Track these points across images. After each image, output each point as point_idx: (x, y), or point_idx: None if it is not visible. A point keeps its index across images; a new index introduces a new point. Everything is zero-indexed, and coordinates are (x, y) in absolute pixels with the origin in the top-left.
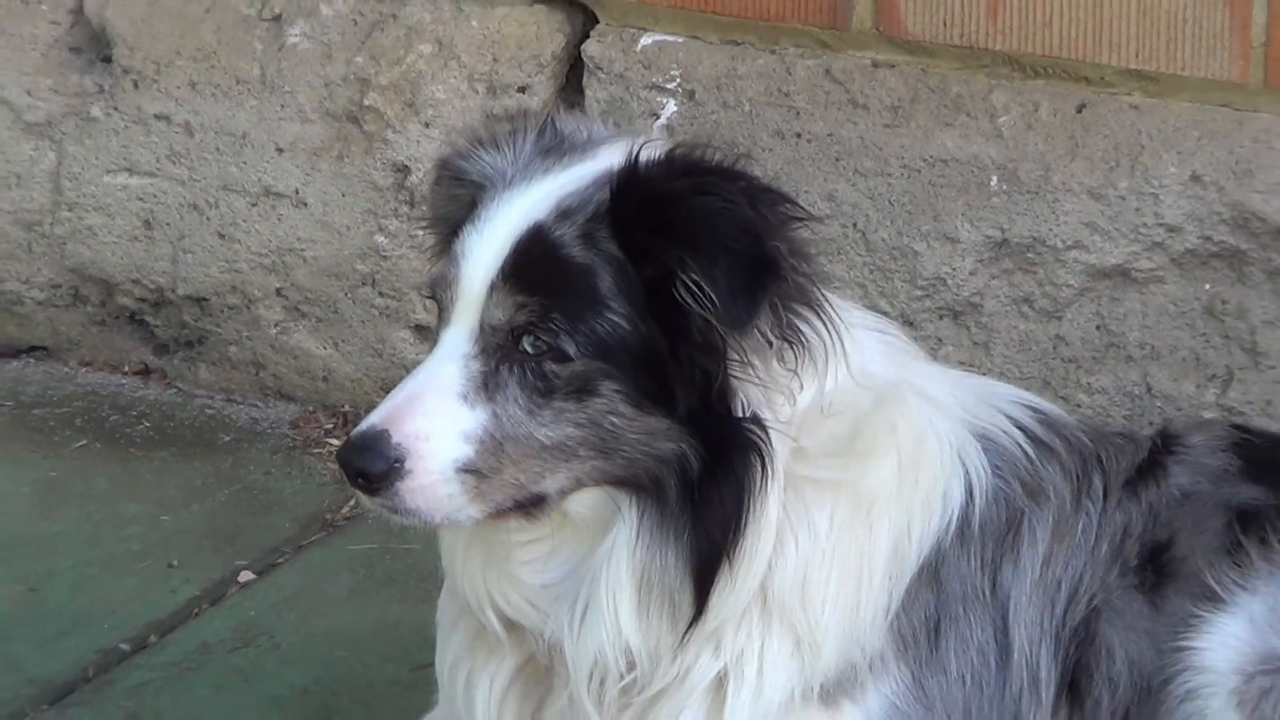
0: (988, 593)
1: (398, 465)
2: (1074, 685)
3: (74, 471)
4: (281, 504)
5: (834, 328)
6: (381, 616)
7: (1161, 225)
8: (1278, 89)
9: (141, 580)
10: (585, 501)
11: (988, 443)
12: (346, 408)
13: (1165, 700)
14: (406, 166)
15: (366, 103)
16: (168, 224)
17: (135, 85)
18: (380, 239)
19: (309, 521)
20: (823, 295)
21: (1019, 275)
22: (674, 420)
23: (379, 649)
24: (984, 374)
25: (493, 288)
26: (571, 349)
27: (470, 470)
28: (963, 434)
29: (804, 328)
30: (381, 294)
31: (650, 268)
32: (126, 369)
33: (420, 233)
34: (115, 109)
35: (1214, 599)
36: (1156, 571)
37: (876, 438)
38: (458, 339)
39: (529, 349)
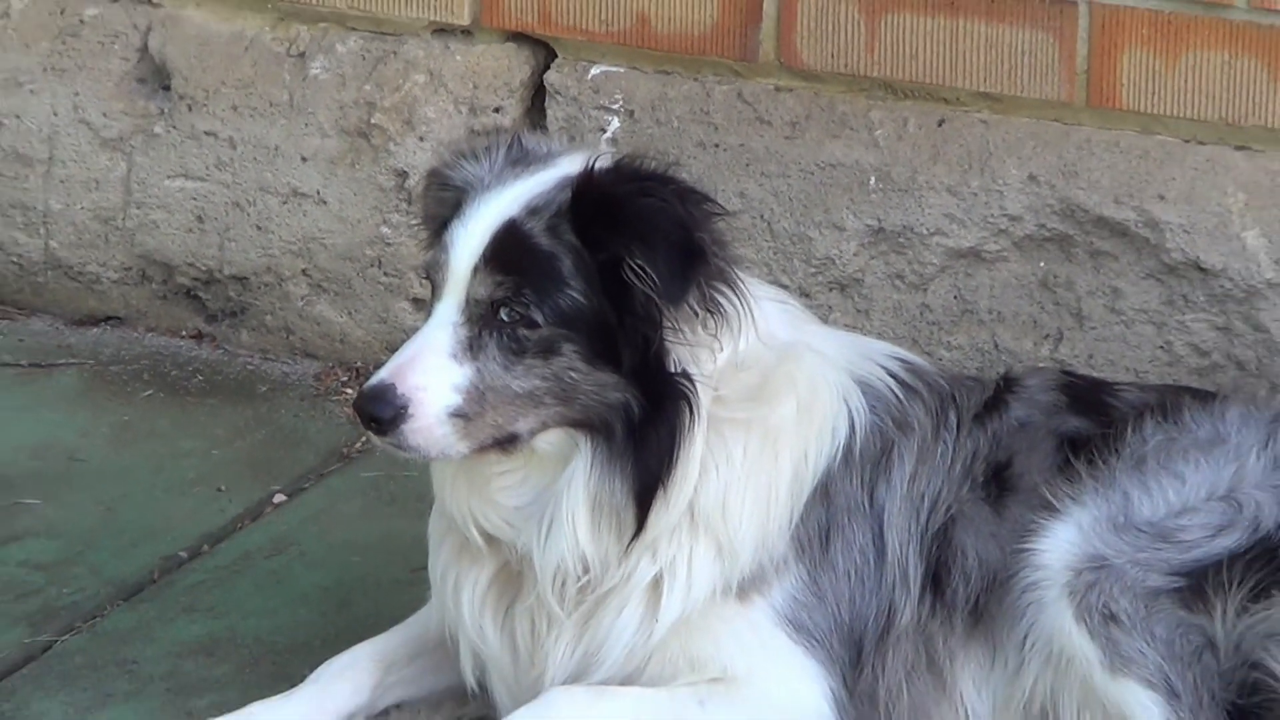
0: (866, 506)
1: (402, 411)
2: (936, 578)
3: (142, 415)
4: (307, 440)
5: (745, 301)
6: (387, 529)
7: (1005, 216)
8: (1097, 107)
9: (196, 501)
10: (550, 439)
11: (866, 388)
12: (358, 364)
13: (1010, 591)
14: (405, 172)
15: (373, 121)
16: (215, 218)
17: (189, 108)
18: (385, 230)
19: (329, 454)
20: (737, 275)
21: (892, 256)
22: (620, 375)
23: (384, 555)
24: (864, 334)
25: (476, 269)
26: (539, 318)
27: (459, 415)
28: (847, 381)
29: (723, 301)
30: (386, 274)
31: (603, 254)
32: (183, 334)
33: (416, 226)
34: (173, 127)
35: (1049, 509)
36: (999, 486)
37: (779, 385)
38: (448, 310)
39: (505, 318)
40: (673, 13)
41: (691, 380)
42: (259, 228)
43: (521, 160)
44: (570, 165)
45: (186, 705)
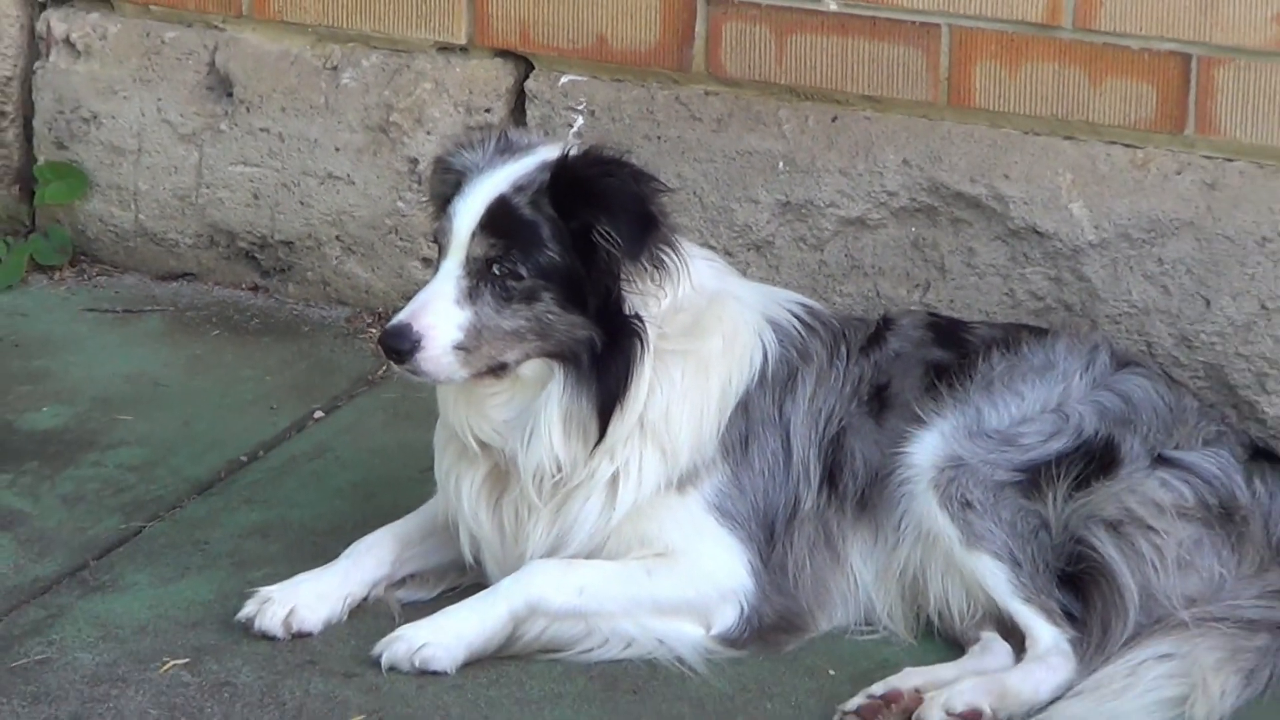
0: (776, 418)
1: (416, 344)
2: (831, 475)
3: (211, 350)
4: (340, 369)
5: (683, 259)
6: (403, 438)
7: (885, 191)
8: (956, 106)
9: (253, 417)
10: (531, 367)
11: (776, 326)
12: (380, 309)
13: (889, 485)
14: (416, 159)
15: (390, 120)
16: (267, 196)
17: (247, 110)
18: (400, 204)
19: (357, 380)
20: (677, 238)
21: (797, 224)
22: (587, 317)
23: (401, 458)
24: (775, 285)
25: (474, 234)
26: (524, 272)
27: (460, 348)
28: (761, 321)
29: (666, 259)
30: (401, 239)
31: (574, 222)
32: (243, 286)
33: (424, 202)
34: (235, 125)
35: (919, 421)
36: (880, 403)
37: (709, 324)
38: (452, 266)
39: (496, 272)
40: (624, 33)
41: (642, 321)
42: (301, 203)
43: (508, 149)
44: (546, 153)
45: (246, 576)
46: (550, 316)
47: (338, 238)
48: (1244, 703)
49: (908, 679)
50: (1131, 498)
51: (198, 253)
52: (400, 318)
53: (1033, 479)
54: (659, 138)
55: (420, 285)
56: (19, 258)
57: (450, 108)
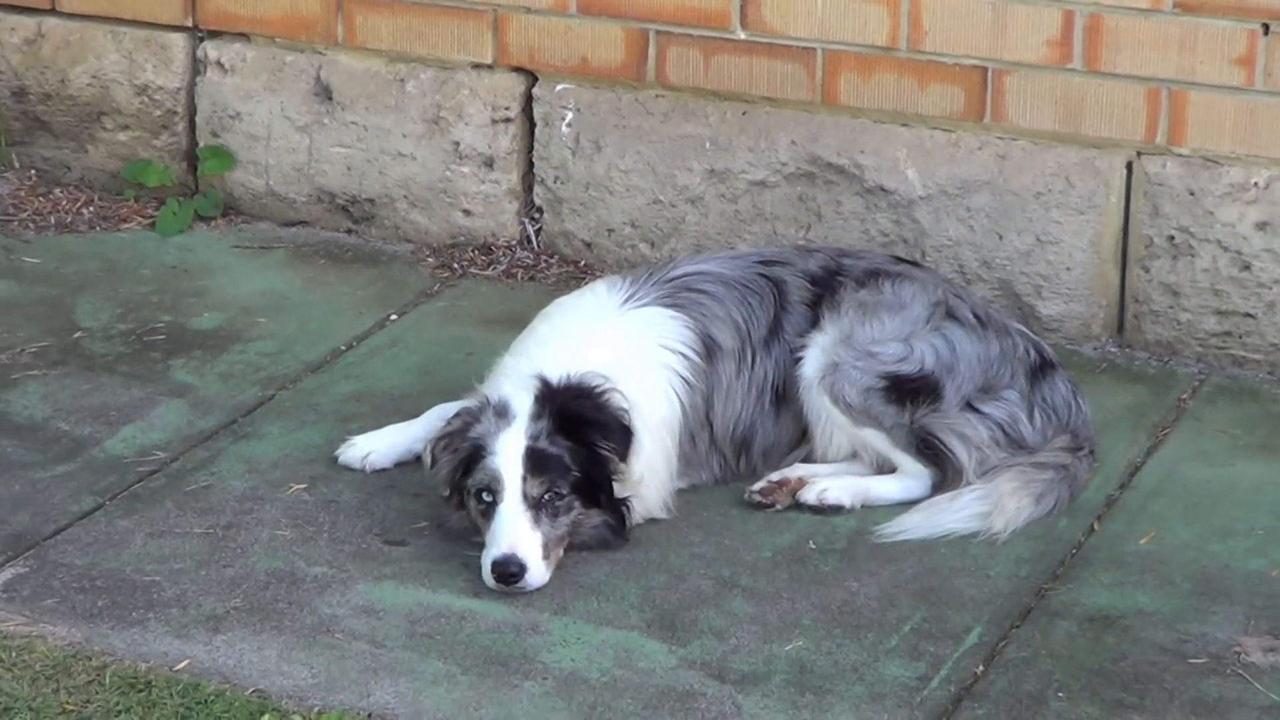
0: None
1: (523, 567)
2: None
3: (319, 274)
4: (408, 285)
5: (637, 448)
6: (452, 333)
7: (779, 162)
8: (828, 104)
9: (348, 319)
10: None
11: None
12: (433, 245)
13: (796, 384)
14: (458, 143)
15: (441, 115)
16: (357, 168)
17: (342, 109)
18: (447, 173)
19: (419, 293)
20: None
21: (720, 185)
22: (600, 508)
23: (451, 346)
24: (704, 229)
25: (524, 478)
26: (564, 491)
27: (544, 560)
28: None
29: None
30: (448, 198)
31: (582, 444)
32: (340, 230)
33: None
34: (334, 119)
35: (806, 335)
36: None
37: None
38: (514, 504)
39: (547, 499)
40: (600, 56)
41: (628, 502)
42: (380, 173)
43: (502, 414)
44: (525, 407)
45: (346, 428)
46: (580, 516)
47: (404, 196)
48: (1036, 519)
49: (795, 470)
50: (954, 423)
51: (309, 207)
52: (503, 551)
53: (890, 387)
54: (624, 127)
55: (462, 230)
56: (187, 211)
57: (481, 107)
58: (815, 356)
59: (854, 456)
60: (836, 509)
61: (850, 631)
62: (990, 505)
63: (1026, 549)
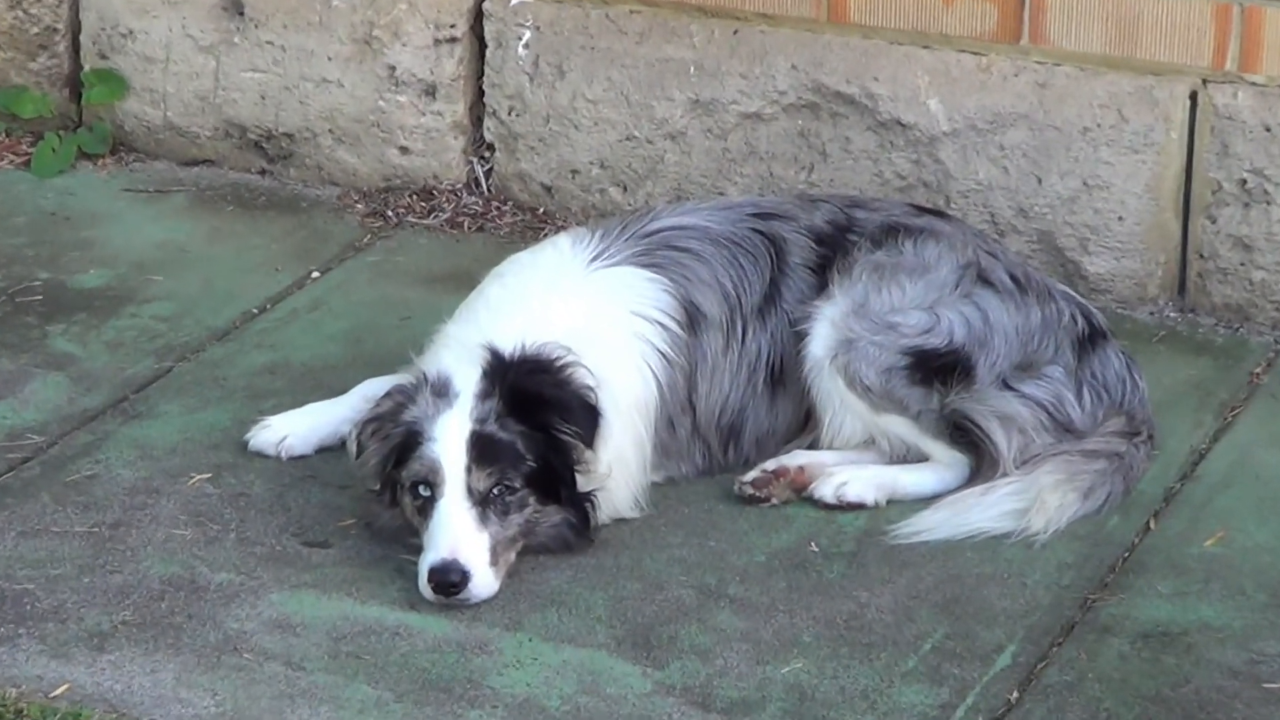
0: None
1: (465, 574)
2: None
3: (226, 223)
4: (331, 237)
5: (605, 433)
6: (384, 293)
7: (776, 91)
8: (835, 22)
9: (261, 276)
10: None
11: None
12: (364, 189)
13: (800, 364)
14: (394, 67)
15: (374, 34)
16: (272, 97)
17: (255, 26)
18: (380, 103)
19: (346, 246)
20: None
21: (706, 118)
22: (560, 504)
23: (382, 309)
24: (689, 170)
25: (468, 469)
26: (517, 485)
27: (491, 565)
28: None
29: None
30: (381, 131)
31: (539, 429)
32: (252, 171)
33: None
34: (245, 39)
35: (810, 305)
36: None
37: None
38: (457, 500)
39: (496, 493)
40: None
41: (591, 498)
42: (300, 102)
43: (441, 393)
44: (470, 384)
45: (258, 406)
46: (536, 514)
47: (329, 130)
48: (1082, 516)
49: (795, 459)
50: (991, 405)
51: (215, 143)
52: (443, 556)
53: (914, 365)
54: (592, 49)
55: (397, 170)
56: (69, 148)
57: (421, 24)
58: (824, 331)
59: (866, 443)
60: (858, 506)
61: (859, 651)
62: (1028, 501)
63: (1070, 553)
